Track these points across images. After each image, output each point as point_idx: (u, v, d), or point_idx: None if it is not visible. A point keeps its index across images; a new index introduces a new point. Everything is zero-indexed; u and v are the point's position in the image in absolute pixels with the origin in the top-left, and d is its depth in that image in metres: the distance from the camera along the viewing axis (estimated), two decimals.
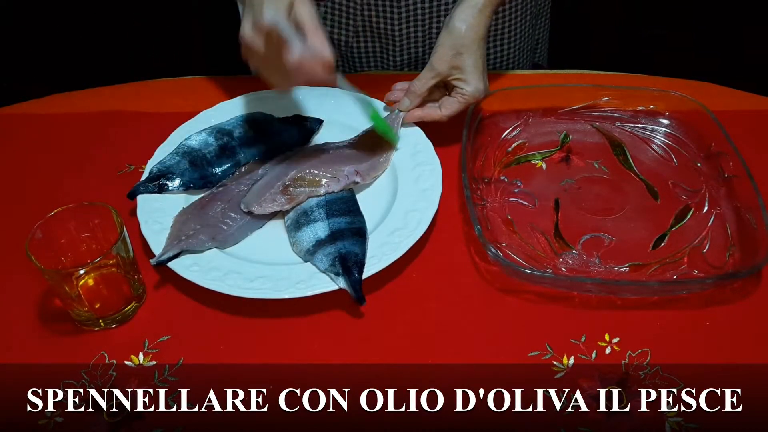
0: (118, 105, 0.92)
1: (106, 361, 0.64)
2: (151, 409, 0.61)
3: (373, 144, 0.80)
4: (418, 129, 0.83)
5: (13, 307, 0.69)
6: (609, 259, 0.70)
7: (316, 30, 0.67)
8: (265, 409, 0.61)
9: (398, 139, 0.80)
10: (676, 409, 0.59)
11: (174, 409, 0.61)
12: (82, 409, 0.61)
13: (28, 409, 0.61)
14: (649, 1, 1.71)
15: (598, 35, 1.72)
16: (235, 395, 0.61)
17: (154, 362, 0.64)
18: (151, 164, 0.79)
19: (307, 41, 0.67)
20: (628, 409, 0.60)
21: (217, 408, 0.61)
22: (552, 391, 0.61)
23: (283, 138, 0.81)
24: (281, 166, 0.77)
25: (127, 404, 0.61)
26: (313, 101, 0.87)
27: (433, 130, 0.84)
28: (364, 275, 0.67)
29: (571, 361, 0.63)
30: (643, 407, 0.60)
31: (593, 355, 0.63)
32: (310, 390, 0.62)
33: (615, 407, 0.60)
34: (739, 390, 0.61)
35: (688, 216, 0.75)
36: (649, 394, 0.60)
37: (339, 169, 0.76)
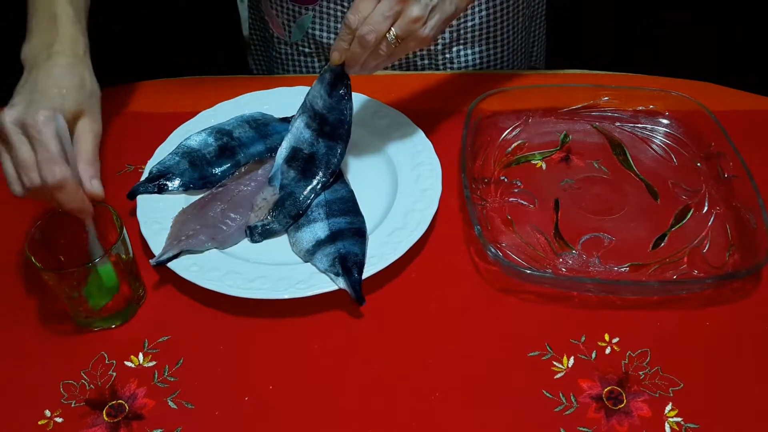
0: (118, 105, 0.92)
1: (106, 361, 0.64)
2: (151, 409, 0.61)
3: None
4: (418, 129, 0.83)
5: (12, 307, 0.69)
6: (609, 259, 0.70)
7: (92, 158, 0.63)
8: (265, 409, 0.61)
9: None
10: (676, 409, 0.59)
11: (174, 409, 0.61)
12: (82, 409, 0.61)
13: (28, 409, 0.61)
14: (647, 1, 1.71)
15: (595, 38, 1.72)
16: (235, 395, 0.61)
17: (154, 362, 0.64)
18: (151, 164, 0.79)
19: (80, 166, 0.63)
20: (628, 409, 0.60)
21: (217, 408, 0.61)
22: (552, 391, 0.61)
23: (283, 138, 0.81)
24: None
25: (127, 404, 0.61)
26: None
27: (433, 130, 0.84)
28: (364, 275, 0.67)
29: (571, 361, 0.63)
30: (643, 407, 0.60)
31: (593, 355, 0.63)
32: (309, 390, 0.62)
33: (615, 407, 0.60)
34: (738, 390, 0.61)
35: (688, 216, 0.75)
36: (649, 394, 0.60)
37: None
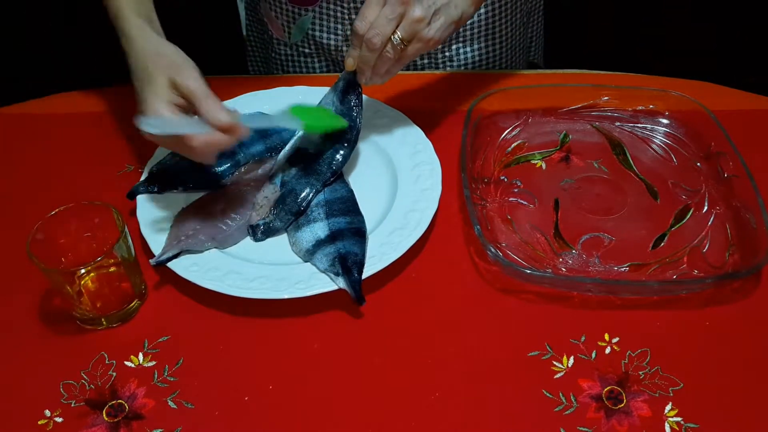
0: (118, 105, 0.92)
1: (106, 361, 0.64)
2: (151, 409, 0.61)
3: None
4: (418, 129, 0.83)
5: (13, 307, 0.69)
6: (609, 259, 0.70)
7: (204, 100, 0.65)
8: (265, 409, 0.61)
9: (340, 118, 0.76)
10: (676, 409, 0.59)
11: (174, 409, 0.61)
12: (82, 409, 0.61)
13: (28, 409, 0.61)
14: (647, 1, 1.71)
15: (594, 33, 1.72)
16: (235, 395, 0.61)
17: (154, 362, 0.64)
18: (151, 164, 0.79)
19: (200, 114, 0.65)
20: (628, 409, 0.60)
21: (217, 408, 0.61)
22: (552, 391, 0.61)
23: (283, 138, 0.81)
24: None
25: (127, 404, 0.61)
26: (313, 101, 0.87)
27: (433, 130, 0.84)
28: (364, 275, 0.67)
29: (571, 361, 0.63)
30: (643, 407, 0.60)
31: (593, 355, 0.63)
32: (309, 390, 0.62)
33: (615, 407, 0.60)
34: (738, 390, 0.61)
35: (688, 216, 0.75)
36: (649, 394, 0.60)
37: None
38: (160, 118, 0.65)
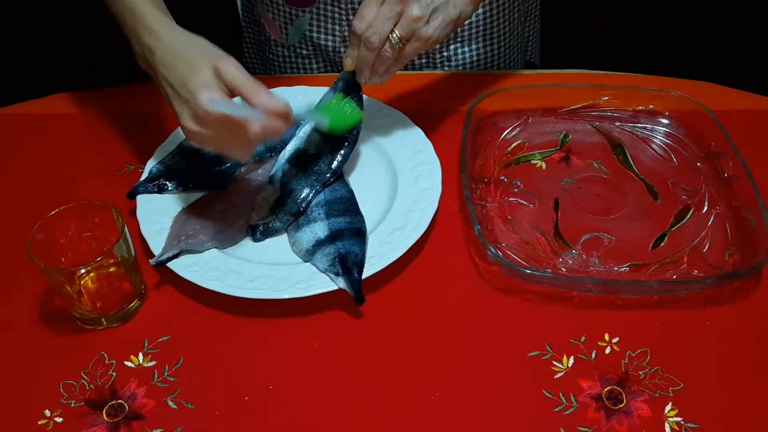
0: (118, 105, 0.92)
1: (106, 362, 0.64)
2: (151, 409, 0.61)
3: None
4: (418, 129, 0.83)
5: (13, 307, 0.69)
6: (609, 258, 0.70)
7: (254, 86, 0.63)
8: (265, 409, 0.61)
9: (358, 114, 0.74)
10: (676, 409, 0.59)
11: (174, 409, 0.61)
12: (82, 409, 0.61)
13: (28, 409, 0.61)
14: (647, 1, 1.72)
15: (591, 33, 1.72)
16: (235, 395, 0.61)
17: (154, 362, 0.64)
18: (151, 164, 0.79)
19: (253, 102, 0.62)
20: (628, 409, 0.60)
21: (217, 408, 0.61)
22: (552, 391, 0.61)
23: (283, 138, 0.81)
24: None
25: (127, 404, 0.61)
26: (312, 101, 0.87)
27: (433, 130, 0.84)
28: (364, 275, 0.67)
29: (571, 361, 0.63)
30: (643, 407, 0.60)
31: (593, 355, 0.63)
32: (309, 390, 0.62)
33: (615, 407, 0.60)
34: (738, 390, 0.61)
35: (688, 216, 0.75)
36: (649, 394, 0.60)
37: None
38: (223, 101, 0.62)
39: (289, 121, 0.64)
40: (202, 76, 0.63)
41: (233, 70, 0.63)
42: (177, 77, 0.65)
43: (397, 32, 0.69)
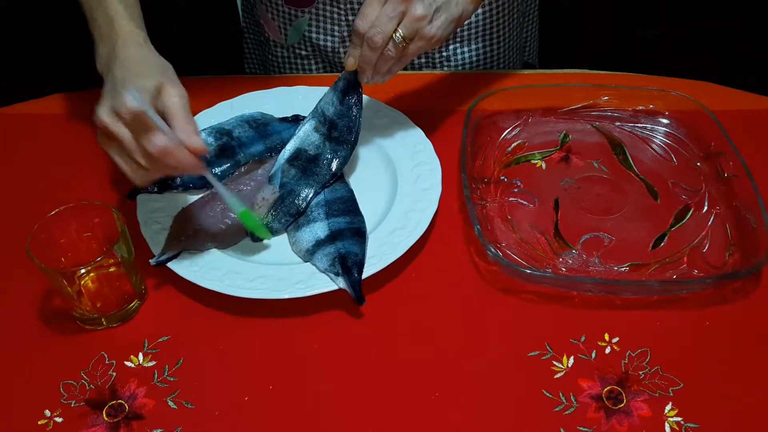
0: None
1: (106, 362, 0.64)
2: (151, 409, 0.61)
3: None
4: (417, 129, 0.83)
5: (13, 307, 0.69)
6: (609, 258, 0.70)
7: (185, 118, 0.61)
8: (265, 409, 0.61)
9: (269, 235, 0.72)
10: (676, 408, 0.59)
11: (174, 409, 0.61)
12: (82, 409, 0.61)
13: (28, 409, 0.61)
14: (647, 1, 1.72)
15: (590, 33, 1.72)
16: (235, 395, 0.61)
17: (154, 362, 0.64)
18: None
19: (177, 128, 0.61)
20: (628, 409, 0.60)
21: (217, 408, 0.61)
22: (552, 391, 0.61)
23: (283, 138, 0.81)
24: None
25: (127, 404, 0.61)
26: (313, 101, 0.87)
27: (433, 130, 0.84)
28: (364, 275, 0.67)
29: (571, 361, 0.63)
30: (643, 407, 0.60)
31: (593, 355, 0.63)
32: (309, 390, 0.62)
33: (615, 407, 0.60)
34: (738, 390, 0.61)
35: (688, 216, 0.75)
36: (649, 394, 0.60)
37: None
38: (145, 102, 0.61)
39: (198, 166, 0.62)
40: (144, 83, 0.62)
41: (176, 95, 0.62)
42: (122, 77, 0.64)
43: (400, 31, 0.69)
